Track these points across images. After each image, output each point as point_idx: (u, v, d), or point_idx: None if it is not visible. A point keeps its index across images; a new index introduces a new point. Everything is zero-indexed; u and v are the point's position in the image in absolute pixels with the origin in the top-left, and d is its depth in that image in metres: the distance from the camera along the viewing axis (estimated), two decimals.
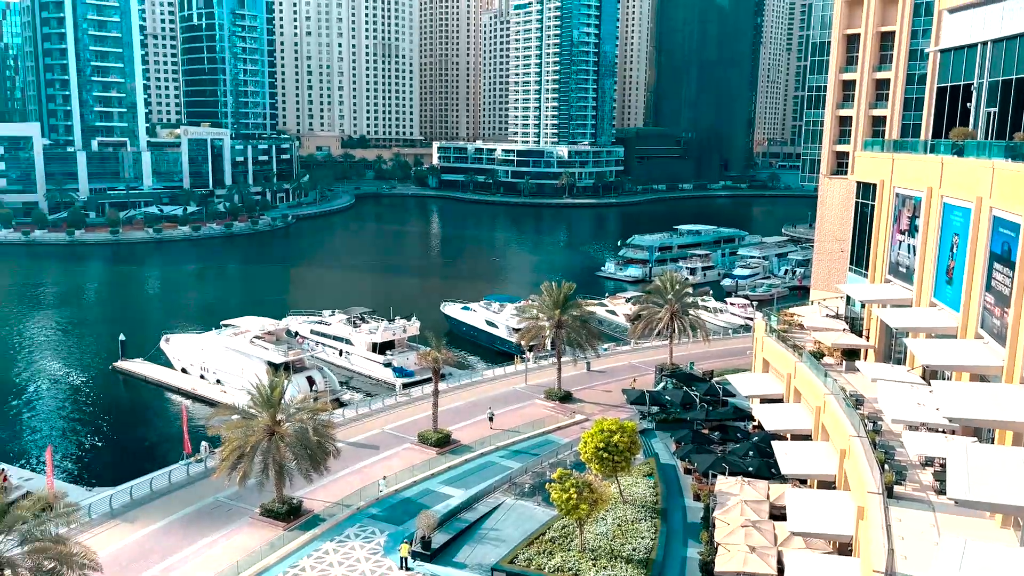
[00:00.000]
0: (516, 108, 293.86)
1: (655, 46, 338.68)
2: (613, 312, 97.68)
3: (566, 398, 66.20)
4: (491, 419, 60.97)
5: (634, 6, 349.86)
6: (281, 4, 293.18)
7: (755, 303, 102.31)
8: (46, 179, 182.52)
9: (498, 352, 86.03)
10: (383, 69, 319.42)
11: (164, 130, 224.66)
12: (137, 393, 75.67)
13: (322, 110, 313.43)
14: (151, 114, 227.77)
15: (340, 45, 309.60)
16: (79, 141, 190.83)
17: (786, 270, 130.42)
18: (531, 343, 71.09)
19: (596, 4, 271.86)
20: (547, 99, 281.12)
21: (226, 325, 79.52)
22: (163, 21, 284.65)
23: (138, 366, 79.57)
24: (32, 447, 62.60)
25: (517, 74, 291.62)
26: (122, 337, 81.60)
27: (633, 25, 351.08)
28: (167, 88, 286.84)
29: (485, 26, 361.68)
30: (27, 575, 30.21)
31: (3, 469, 50.87)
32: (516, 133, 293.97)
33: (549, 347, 74.79)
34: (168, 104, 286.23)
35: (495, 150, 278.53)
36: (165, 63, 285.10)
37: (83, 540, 34.76)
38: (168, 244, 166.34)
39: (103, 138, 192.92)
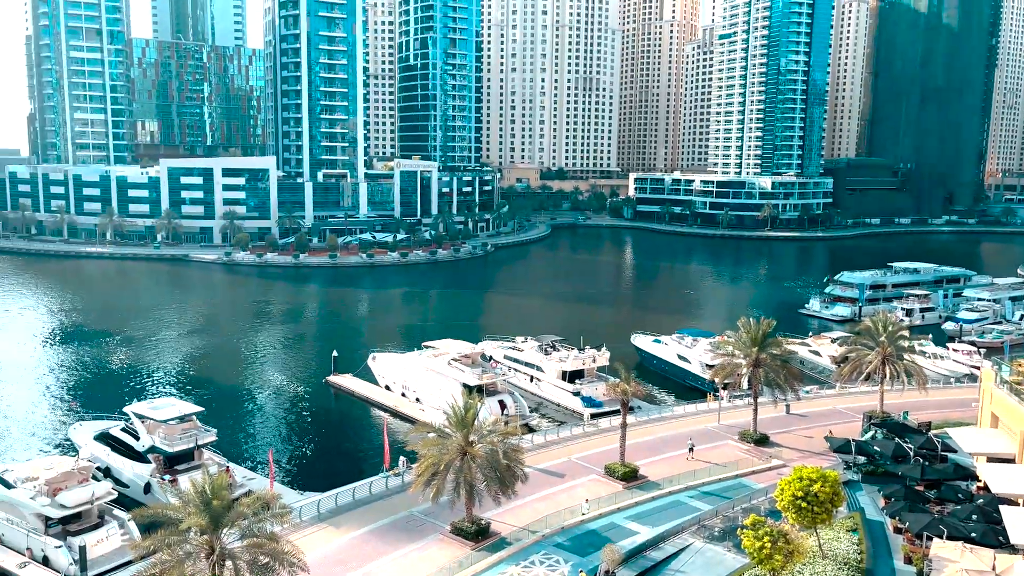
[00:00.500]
0: (717, 139, 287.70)
1: (872, 71, 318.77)
2: (816, 353, 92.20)
3: (762, 441, 63.05)
4: (691, 450, 59.66)
5: (849, 30, 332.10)
6: (489, 42, 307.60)
7: (983, 351, 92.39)
8: (279, 207, 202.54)
9: (689, 388, 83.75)
10: (583, 102, 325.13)
11: (380, 163, 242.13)
12: (346, 406, 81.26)
13: (523, 143, 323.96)
14: (369, 148, 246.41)
15: (543, 80, 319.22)
16: (307, 173, 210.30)
17: (1021, 315, 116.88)
18: (725, 381, 68.54)
19: (806, 31, 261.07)
20: (750, 129, 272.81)
21: (427, 346, 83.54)
22: (383, 62, 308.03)
23: (347, 381, 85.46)
24: (254, 449, 68.94)
25: (719, 104, 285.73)
26: (335, 353, 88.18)
27: (847, 49, 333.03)
28: (384, 124, 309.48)
29: (687, 57, 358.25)
30: (244, 567, 33.17)
31: (229, 467, 56.36)
32: (716, 164, 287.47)
33: (745, 386, 71.71)
34: (384, 138, 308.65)
35: (693, 181, 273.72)
36: (383, 101, 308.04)
37: (293, 540, 37.63)
38: (379, 268, 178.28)
39: (327, 170, 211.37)
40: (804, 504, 40.38)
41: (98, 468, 54.31)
